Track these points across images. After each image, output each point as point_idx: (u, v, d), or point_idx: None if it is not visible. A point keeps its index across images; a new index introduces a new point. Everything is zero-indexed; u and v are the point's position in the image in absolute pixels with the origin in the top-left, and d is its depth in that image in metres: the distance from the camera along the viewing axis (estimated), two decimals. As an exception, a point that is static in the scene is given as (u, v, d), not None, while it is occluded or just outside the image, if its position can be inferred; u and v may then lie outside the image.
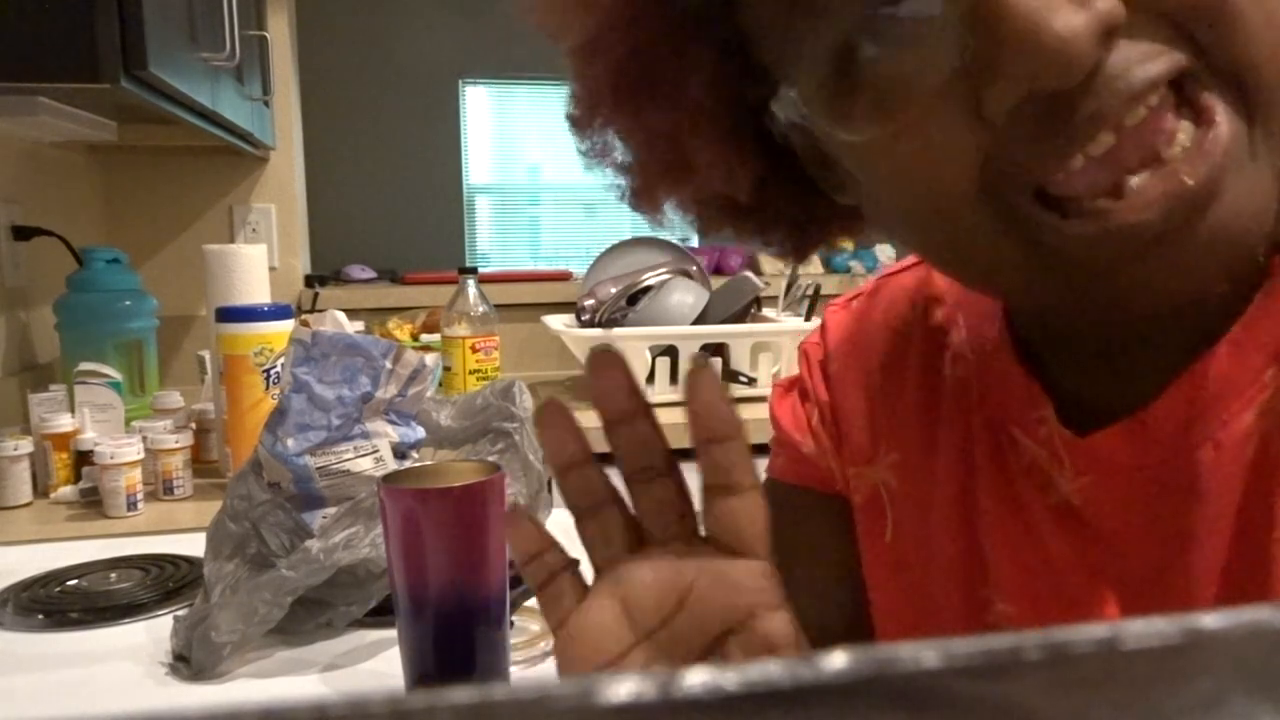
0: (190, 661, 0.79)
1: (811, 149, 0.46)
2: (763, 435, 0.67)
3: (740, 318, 1.93)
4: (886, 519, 0.57)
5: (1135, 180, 0.36)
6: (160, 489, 1.29)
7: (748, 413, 2.03)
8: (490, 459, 0.86)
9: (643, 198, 0.50)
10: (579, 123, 0.48)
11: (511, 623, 0.74)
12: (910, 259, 0.61)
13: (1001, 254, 0.40)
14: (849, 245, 2.61)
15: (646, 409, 0.46)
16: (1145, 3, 0.35)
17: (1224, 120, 0.35)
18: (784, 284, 2.08)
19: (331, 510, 0.86)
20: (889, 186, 0.42)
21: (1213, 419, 0.44)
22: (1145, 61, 0.35)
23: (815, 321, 1.59)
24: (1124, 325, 0.45)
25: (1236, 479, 0.43)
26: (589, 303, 1.89)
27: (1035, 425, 0.50)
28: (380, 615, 0.86)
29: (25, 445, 1.27)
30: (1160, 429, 0.45)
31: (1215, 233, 0.36)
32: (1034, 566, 0.50)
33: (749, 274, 1.99)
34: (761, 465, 0.67)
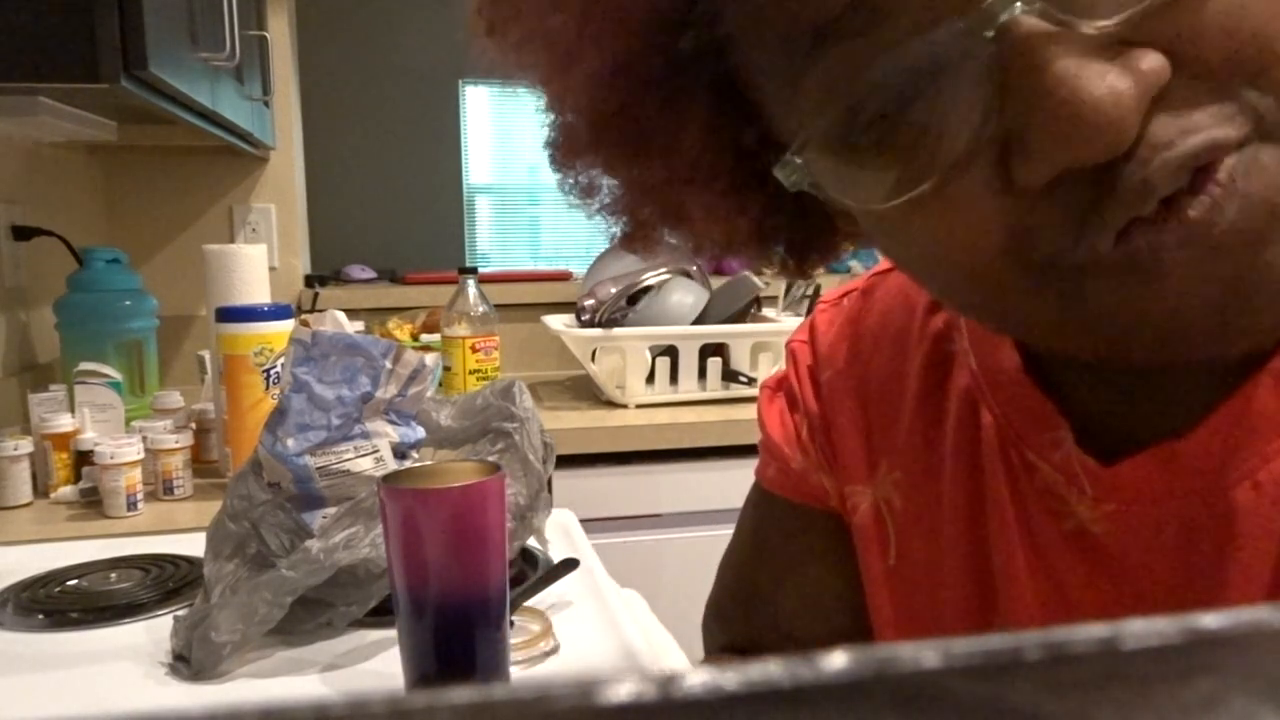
0: (190, 661, 0.79)
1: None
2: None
3: (740, 318, 1.93)
4: (889, 540, 0.55)
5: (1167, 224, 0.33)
6: (160, 489, 1.29)
7: (748, 413, 2.02)
8: (490, 459, 0.86)
9: (636, 242, 0.47)
10: (559, 161, 0.45)
11: (511, 623, 0.74)
12: None
13: (1035, 310, 0.36)
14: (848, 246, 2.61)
15: None
16: (1195, 59, 0.31)
17: (1227, 169, 0.32)
18: (784, 284, 2.08)
19: (331, 510, 0.86)
20: (909, 251, 0.39)
21: (1252, 456, 0.41)
22: (1192, 133, 0.31)
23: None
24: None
25: (1276, 522, 0.41)
26: (589, 303, 1.89)
27: (1049, 448, 0.47)
28: (380, 615, 0.86)
29: (25, 445, 1.27)
30: (1194, 462, 0.42)
31: (1265, 276, 0.33)
32: (1047, 595, 0.47)
33: (749, 274, 1.99)
34: (755, 462, 0.66)
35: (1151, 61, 0.30)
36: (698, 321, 1.87)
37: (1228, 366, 0.42)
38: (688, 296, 1.90)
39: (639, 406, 1.83)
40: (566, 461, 1.59)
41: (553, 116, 0.43)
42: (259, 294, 1.42)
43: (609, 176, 0.44)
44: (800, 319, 1.94)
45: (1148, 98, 0.30)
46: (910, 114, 0.34)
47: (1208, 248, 0.32)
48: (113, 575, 1.01)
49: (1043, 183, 0.32)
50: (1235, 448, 0.42)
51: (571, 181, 0.45)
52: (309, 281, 2.26)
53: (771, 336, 1.90)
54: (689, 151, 0.42)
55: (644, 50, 0.39)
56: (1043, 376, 0.48)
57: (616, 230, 0.47)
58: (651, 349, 1.85)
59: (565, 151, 0.44)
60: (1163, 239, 0.32)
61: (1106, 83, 0.30)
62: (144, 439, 1.27)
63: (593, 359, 1.86)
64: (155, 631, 0.89)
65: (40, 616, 0.91)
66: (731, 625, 0.68)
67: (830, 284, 2.25)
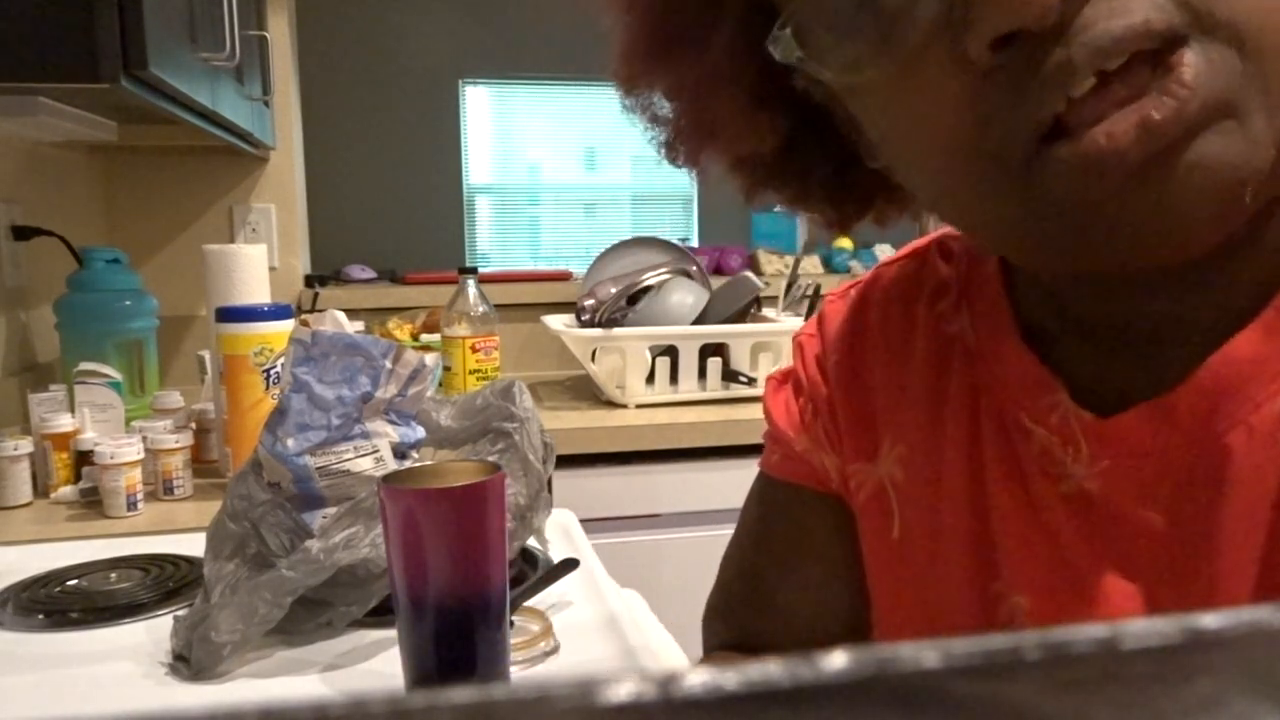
0: (190, 661, 0.79)
1: (834, 105, 0.46)
2: (761, 434, 0.67)
3: (740, 318, 1.93)
4: (893, 516, 0.56)
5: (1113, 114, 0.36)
6: (160, 489, 1.29)
7: (748, 412, 2.02)
8: (490, 459, 0.86)
9: (676, 152, 0.50)
10: (619, 77, 0.49)
11: (512, 623, 0.74)
12: (909, 248, 0.60)
13: (1003, 204, 0.40)
14: (849, 245, 2.61)
15: None
16: None
17: (1190, 65, 0.35)
18: (784, 284, 2.08)
19: (331, 510, 0.86)
20: (893, 137, 0.43)
21: (1244, 402, 0.43)
22: (1120, 16, 0.35)
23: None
24: (1142, 299, 0.44)
25: (1270, 465, 0.42)
26: (589, 303, 1.89)
27: (1046, 411, 0.49)
28: (380, 615, 0.86)
29: (25, 445, 1.27)
30: (1187, 412, 0.44)
31: (1196, 166, 0.36)
32: (1048, 557, 0.49)
33: (749, 274, 1.99)
34: (756, 463, 0.67)
35: None
36: (698, 321, 1.87)
37: (1217, 322, 0.43)
38: (688, 296, 1.90)
39: (639, 406, 1.83)
40: (566, 461, 1.59)
41: (613, 35, 0.48)
42: (259, 294, 1.42)
43: (655, 81, 0.48)
44: (800, 319, 1.94)
45: None
46: None
47: (1159, 145, 0.35)
48: (113, 575, 1.01)
49: (985, 48, 0.36)
50: (1227, 396, 0.43)
51: (630, 99, 0.49)
52: (309, 281, 2.26)
53: (771, 336, 1.90)
54: (719, 53, 0.45)
55: None
56: (1039, 346, 0.50)
57: (660, 140, 0.50)
58: (651, 349, 1.85)
59: (623, 66, 0.48)
60: (1113, 129, 0.36)
61: None
62: (144, 439, 1.27)
63: (593, 359, 1.86)
64: (155, 631, 0.89)
65: (40, 616, 0.91)
66: (734, 615, 0.68)
67: (831, 284, 2.25)
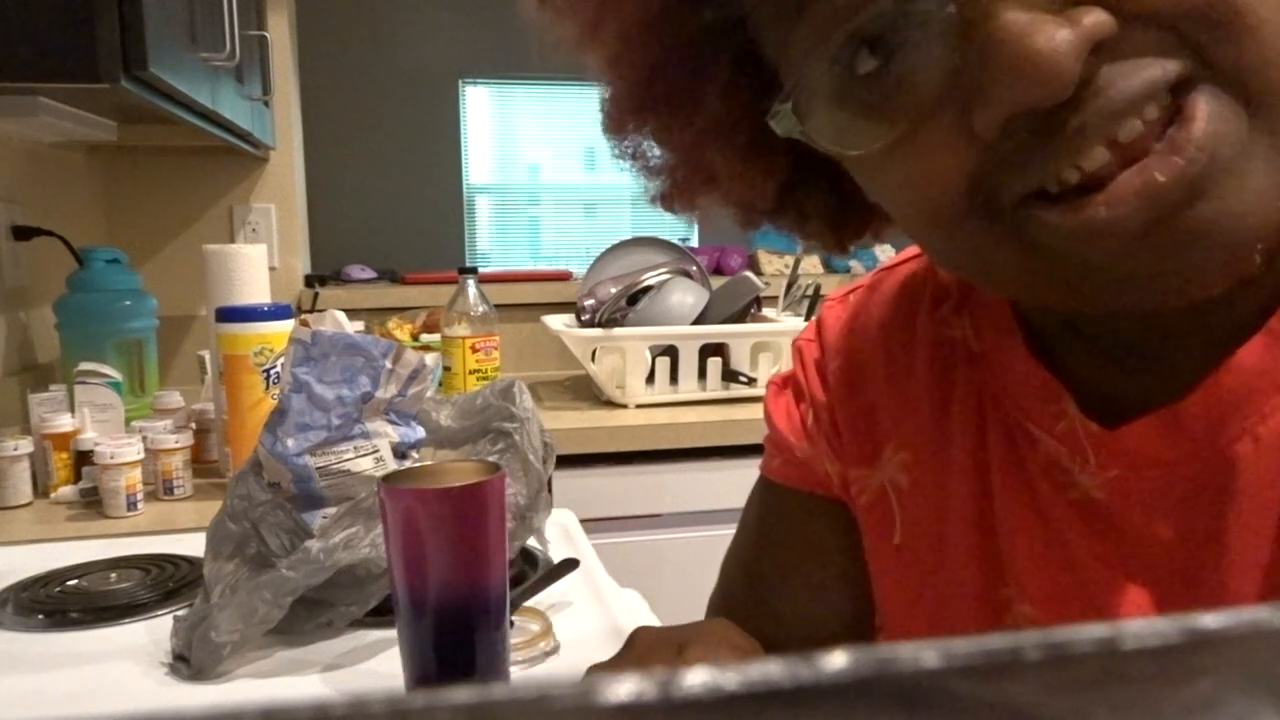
0: (190, 661, 0.79)
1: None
2: (761, 434, 0.67)
3: (740, 318, 1.93)
4: (895, 520, 0.56)
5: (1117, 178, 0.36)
6: (160, 489, 1.29)
7: (748, 412, 2.01)
8: (490, 459, 0.86)
9: (674, 202, 0.50)
10: (610, 128, 0.49)
11: (511, 623, 0.74)
12: (910, 251, 0.60)
13: (998, 259, 0.40)
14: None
15: None
16: (1137, 13, 0.34)
17: (1204, 119, 0.34)
18: (784, 284, 2.08)
19: (331, 510, 0.86)
20: (887, 199, 0.43)
21: (1250, 413, 0.42)
22: (1133, 74, 0.35)
23: (815, 321, 1.59)
24: (1150, 317, 0.44)
25: (1277, 475, 0.42)
26: (589, 303, 1.89)
27: (1052, 420, 0.48)
28: (380, 615, 0.86)
29: (25, 445, 1.27)
30: (1194, 422, 0.44)
31: (1200, 230, 0.35)
32: (1055, 565, 0.48)
33: (749, 274, 1.99)
34: (757, 463, 0.67)
35: (1094, 16, 0.34)
36: (698, 321, 1.87)
37: (1223, 331, 0.43)
38: (688, 296, 1.90)
39: (639, 406, 1.83)
40: (566, 461, 1.58)
41: (602, 88, 0.48)
42: (259, 294, 1.42)
43: (650, 139, 0.48)
44: (800, 319, 1.94)
45: (1087, 46, 0.34)
46: (883, 68, 0.38)
47: (1162, 210, 0.35)
48: (113, 575, 1.01)
49: (996, 125, 0.36)
50: (1234, 407, 0.43)
51: (621, 147, 0.50)
52: (309, 281, 2.26)
53: (771, 336, 1.90)
54: (712, 111, 0.45)
55: (666, 17, 0.43)
56: (1044, 352, 0.50)
57: (657, 190, 0.50)
58: (651, 349, 1.84)
59: (613, 118, 0.48)
60: (1113, 198, 0.35)
61: (1047, 33, 0.33)
62: (144, 439, 1.27)
63: (593, 359, 1.86)
64: (155, 631, 0.89)
65: (40, 616, 0.91)
66: (735, 618, 0.68)
67: (831, 284, 2.26)
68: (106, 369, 1.44)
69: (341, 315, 0.97)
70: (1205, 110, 0.35)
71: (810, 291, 2.03)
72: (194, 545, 0.95)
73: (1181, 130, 0.35)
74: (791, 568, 0.64)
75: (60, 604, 0.94)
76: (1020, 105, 0.35)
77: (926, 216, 0.40)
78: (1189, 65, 0.35)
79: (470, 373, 1.84)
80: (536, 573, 0.95)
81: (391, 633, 0.75)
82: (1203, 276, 0.37)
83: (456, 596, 0.67)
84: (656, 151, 0.49)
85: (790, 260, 2.34)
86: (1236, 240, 0.36)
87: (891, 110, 0.38)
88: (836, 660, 0.11)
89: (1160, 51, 0.35)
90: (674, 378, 1.85)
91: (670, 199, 0.50)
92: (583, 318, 1.90)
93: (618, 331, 1.82)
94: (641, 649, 0.55)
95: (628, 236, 2.13)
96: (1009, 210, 0.38)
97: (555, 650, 0.85)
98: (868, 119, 0.39)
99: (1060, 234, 0.37)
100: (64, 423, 1.32)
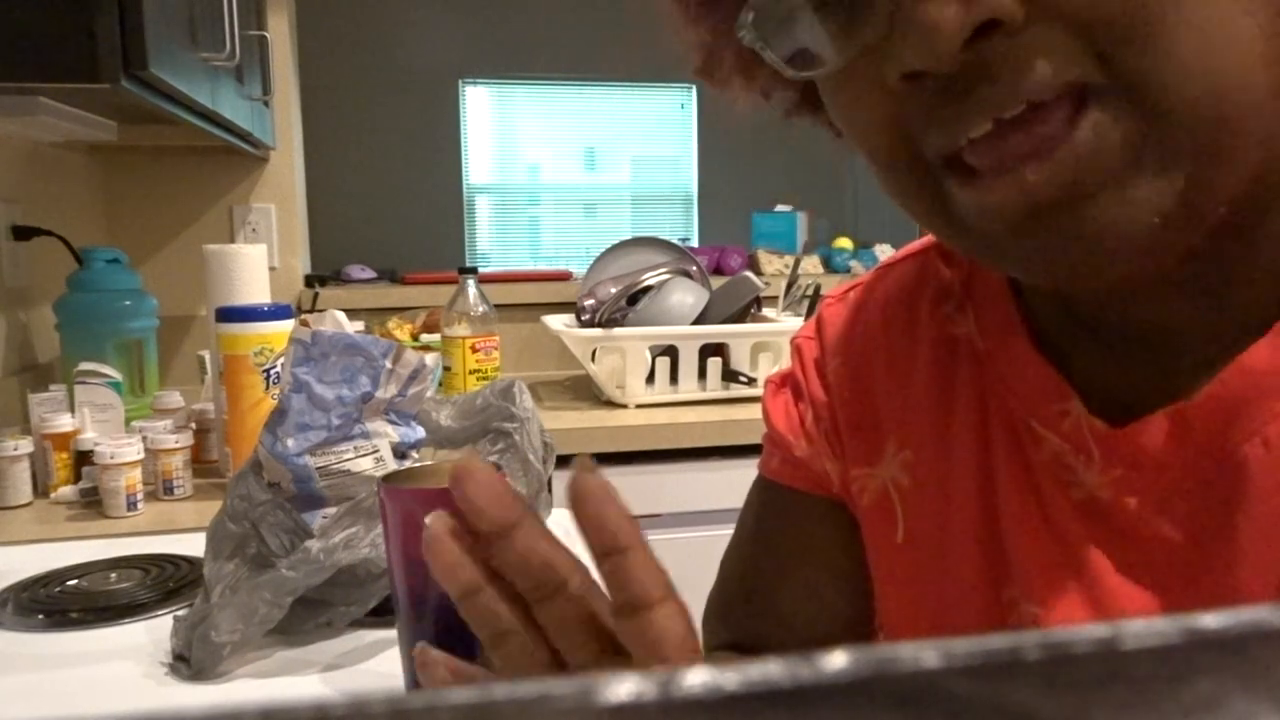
0: (190, 661, 0.79)
1: None
2: (761, 434, 0.67)
3: (740, 318, 1.93)
4: (896, 520, 0.56)
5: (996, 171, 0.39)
6: (160, 489, 1.29)
7: (748, 412, 2.01)
8: (490, 459, 0.86)
9: (713, 80, 0.51)
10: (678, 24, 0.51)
11: (511, 623, 0.74)
12: (910, 248, 0.60)
13: (928, 209, 0.42)
14: (849, 245, 2.61)
15: (526, 517, 0.39)
16: (1048, 11, 0.36)
17: (1086, 129, 0.37)
18: (784, 284, 2.08)
19: (331, 510, 0.86)
20: (844, 129, 0.45)
21: (1259, 414, 0.42)
22: (1025, 66, 0.37)
23: (815, 321, 1.60)
24: (1152, 310, 0.44)
25: None
26: (589, 303, 1.89)
27: (1057, 418, 0.48)
28: (380, 615, 0.86)
29: (25, 445, 1.27)
30: (1202, 424, 0.43)
31: (1080, 231, 0.38)
32: (1060, 566, 0.48)
33: (749, 274, 1.99)
34: (756, 463, 0.67)
35: (998, 1, 0.36)
36: (698, 321, 1.87)
37: (1232, 329, 0.43)
38: (688, 296, 1.90)
39: (639, 406, 1.83)
40: (567, 461, 1.58)
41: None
42: (259, 294, 1.42)
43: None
44: (800, 319, 1.94)
45: (972, 25, 0.36)
46: (827, 15, 0.41)
47: (1041, 202, 0.38)
48: (113, 575, 1.01)
49: (894, 78, 0.39)
50: (1242, 408, 0.43)
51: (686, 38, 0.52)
52: (309, 281, 2.26)
53: (771, 336, 1.90)
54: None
55: None
56: (1049, 350, 0.50)
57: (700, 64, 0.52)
58: (651, 349, 1.85)
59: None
60: (1008, 147, 0.38)
61: (939, 5, 0.36)
62: (144, 439, 1.27)
63: (593, 359, 1.86)
64: (155, 631, 0.89)
65: (40, 616, 0.91)
66: (733, 618, 0.68)
67: (831, 284, 2.26)
68: (106, 369, 1.44)
69: (341, 315, 0.97)
70: (1090, 121, 0.37)
71: (810, 291, 2.03)
72: (194, 545, 0.95)
73: (1061, 137, 0.37)
74: (790, 567, 0.64)
75: (60, 604, 0.94)
76: (908, 66, 0.38)
77: (868, 153, 0.43)
78: (1090, 72, 0.37)
79: (470, 373, 1.84)
80: (536, 573, 0.95)
81: (391, 633, 0.75)
82: (1097, 268, 0.39)
83: (456, 596, 0.66)
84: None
85: (790, 260, 2.34)
86: (1117, 246, 0.38)
87: (836, 41, 0.41)
88: (836, 660, 0.11)
89: (1064, 53, 0.36)
90: (674, 378, 1.85)
91: (703, 72, 0.51)
92: (583, 318, 1.90)
93: (618, 331, 1.82)
94: None
95: (628, 236, 2.13)
96: (936, 167, 0.41)
97: (555, 650, 0.85)
98: (814, 45, 0.42)
99: (963, 206, 0.40)
100: (64, 423, 1.32)
